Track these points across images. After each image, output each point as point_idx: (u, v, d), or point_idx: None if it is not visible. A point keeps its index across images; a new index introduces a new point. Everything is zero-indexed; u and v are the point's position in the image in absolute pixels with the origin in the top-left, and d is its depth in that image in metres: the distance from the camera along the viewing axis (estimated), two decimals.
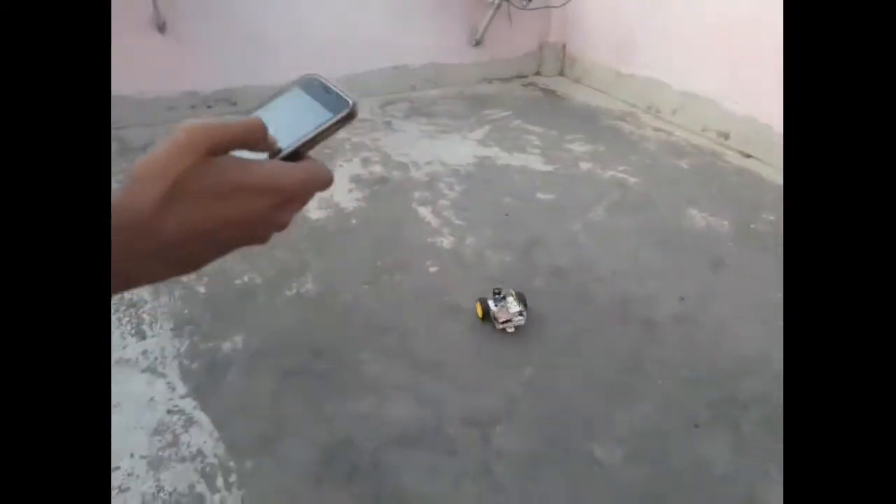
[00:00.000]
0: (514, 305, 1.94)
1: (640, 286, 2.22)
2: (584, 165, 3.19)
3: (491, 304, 1.95)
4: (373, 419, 1.67)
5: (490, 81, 4.45)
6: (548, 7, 4.04)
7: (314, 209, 2.71)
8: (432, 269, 2.32)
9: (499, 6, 3.97)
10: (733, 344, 1.95)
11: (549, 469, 1.54)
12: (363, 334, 1.98)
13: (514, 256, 2.40)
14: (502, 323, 1.92)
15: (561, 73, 4.64)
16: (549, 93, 4.32)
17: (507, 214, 2.71)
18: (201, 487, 1.48)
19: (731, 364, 1.87)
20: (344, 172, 3.04)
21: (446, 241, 2.50)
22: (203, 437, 1.61)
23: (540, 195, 2.89)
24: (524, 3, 3.88)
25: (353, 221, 2.65)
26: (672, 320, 2.05)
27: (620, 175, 3.07)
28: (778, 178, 3.02)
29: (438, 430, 1.64)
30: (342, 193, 2.85)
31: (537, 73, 4.64)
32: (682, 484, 1.49)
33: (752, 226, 2.63)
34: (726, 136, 3.40)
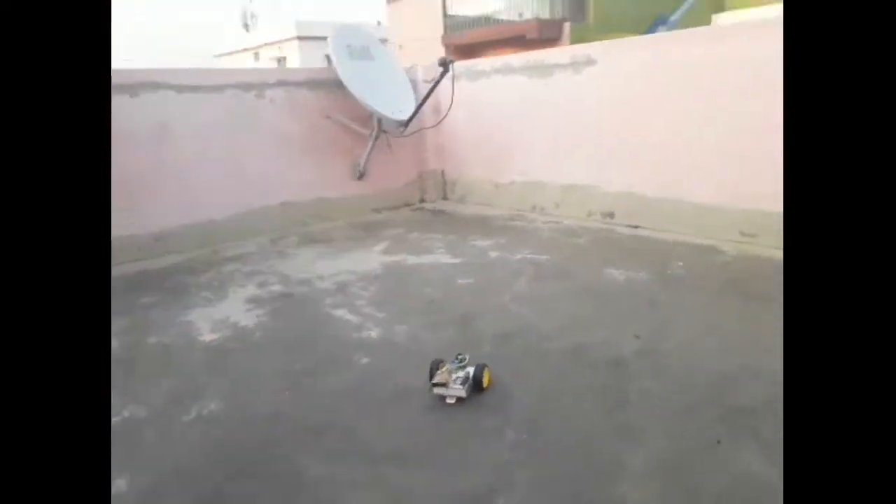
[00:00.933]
0: (460, 376, 1.67)
1: (590, 335, 2.07)
2: (493, 254, 3.17)
3: (443, 370, 1.68)
4: None
5: (379, 211, 4.49)
6: (421, 129, 4.33)
7: (206, 331, 2.29)
8: (364, 361, 1.98)
9: (377, 137, 4.17)
10: (705, 363, 1.82)
11: None
12: (295, 441, 1.54)
13: (452, 332, 2.16)
14: (438, 385, 1.65)
15: (444, 198, 4.85)
16: (439, 212, 4.45)
17: (431, 301, 2.50)
18: None
19: (715, 379, 1.71)
20: (237, 297, 2.68)
21: (373, 333, 2.19)
22: None
23: (460, 281, 2.75)
24: (400, 131, 4.13)
25: (258, 335, 2.25)
26: (637, 357, 1.89)
27: (530, 256, 3.08)
28: (667, 236, 3.23)
29: None
30: (238, 314, 2.46)
31: (422, 200, 4.81)
32: (732, 501, 1.21)
33: (667, 272, 2.69)
34: (611, 214, 3.65)
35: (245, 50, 24.39)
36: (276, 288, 2.79)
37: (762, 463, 1.33)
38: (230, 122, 3.74)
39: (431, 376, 1.68)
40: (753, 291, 2.37)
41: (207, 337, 2.24)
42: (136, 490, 1.37)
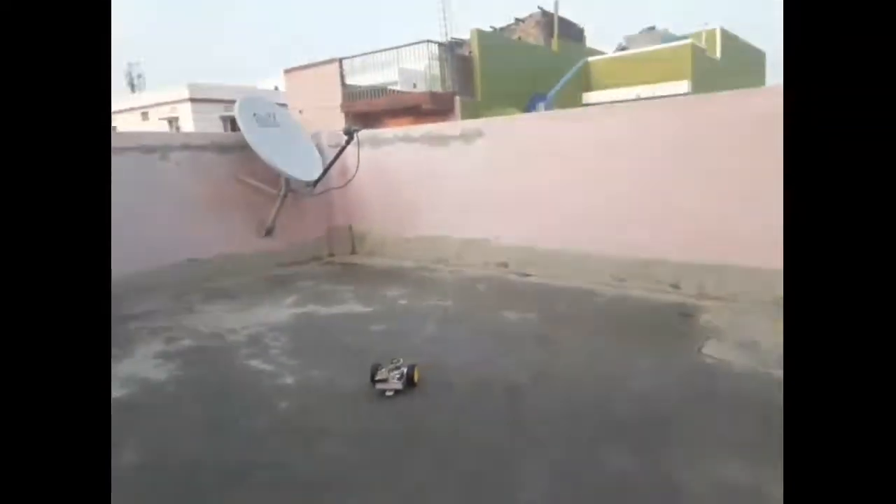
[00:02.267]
0: (395, 374, 2.09)
1: (491, 367, 2.33)
2: (402, 302, 3.38)
3: (383, 370, 2.10)
4: None
5: (287, 266, 4.56)
6: (329, 189, 4.54)
7: (113, 388, 2.25)
8: (283, 405, 2.07)
9: (285, 196, 4.31)
10: (589, 389, 2.13)
11: None
12: (221, 486, 1.60)
13: (367, 374, 2.31)
14: (379, 381, 2.07)
15: (353, 252, 5.03)
16: (348, 265, 4.61)
17: (346, 347, 2.64)
18: None
19: (596, 401, 2.02)
20: (144, 353, 2.65)
21: (289, 380, 2.29)
22: None
23: (373, 327, 2.92)
24: (309, 191, 4.30)
25: (170, 389, 2.26)
26: (531, 385, 2.17)
27: (435, 303, 3.33)
28: (553, 282, 3.65)
29: None
30: (147, 370, 2.44)
31: (331, 255, 4.95)
32: (608, 496, 1.48)
33: (552, 312, 3.06)
34: (505, 264, 4.04)
35: (132, 109, 23.42)
36: (186, 342, 2.78)
37: (629, 460, 1.62)
38: (133, 184, 3.72)
39: (373, 376, 2.09)
40: (627, 326, 2.79)
41: (115, 393, 2.21)
42: None
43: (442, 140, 4.24)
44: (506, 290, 3.60)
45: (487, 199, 4.06)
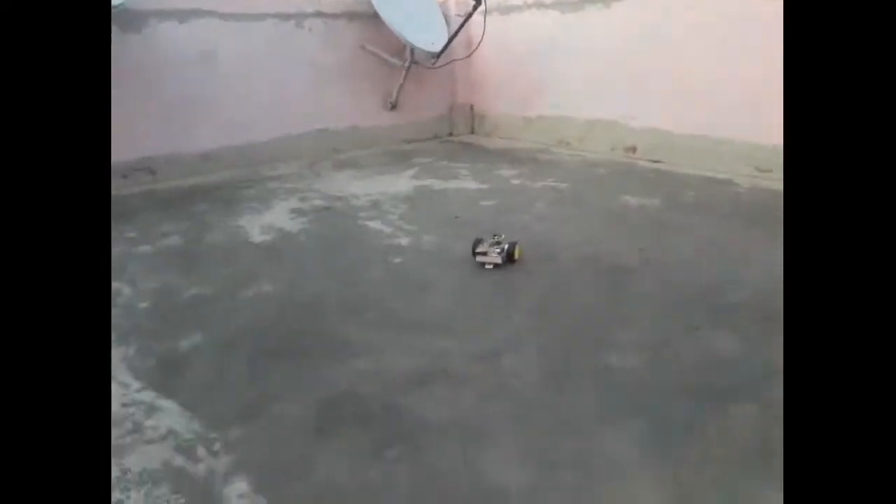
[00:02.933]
0: (496, 249, 2.13)
1: (599, 248, 2.30)
2: (515, 181, 3.37)
3: (484, 244, 2.16)
4: (372, 373, 1.50)
5: (409, 142, 4.68)
6: (452, 61, 4.45)
7: (256, 234, 2.59)
8: (397, 261, 2.25)
9: (409, 68, 4.31)
10: (701, 273, 2.03)
11: (571, 380, 1.44)
12: (341, 316, 1.83)
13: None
14: (479, 254, 2.12)
15: (472, 132, 5.00)
16: (467, 145, 4.62)
17: (456, 217, 2.74)
18: (179, 461, 1.21)
19: (707, 284, 1.93)
20: (282, 208, 2.97)
21: (404, 241, 2.46)
22: (172, 419, 1.34)
23: (483, 203, 2.98)
24: (432, 62, 4.25)
25: (302, 238, 2.54)
26: (639, 264, 2.12)
27: (550, 184, 3.27)
28: (685, 170, 3.37)
29: (446, 370, 1.50)
30: (283, 221, 2.75)
31: (450, 134, 4.97)
32: (704, 371, 1.46)
33: (678, 200, 2.86)
34: (634, 149, 3.78)
35: None
36: (316, 202, 3.06)
37: (733, 344, 1.57)
38: (271, 50, 3.92)
39: (474, 249, 2.15)
40: (757, 218, 2.54)
41: (258, 238, 2.54)
42: (210, 343, 1.68)
43: (576, 5, 3.87)
44: (630, 175, 3.41)
45: (622, 75, 3.73)
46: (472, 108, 4.94)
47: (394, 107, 4.53)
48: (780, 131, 2.79)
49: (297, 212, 2.90)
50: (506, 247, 2.13)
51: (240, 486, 1.13)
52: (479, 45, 4.23)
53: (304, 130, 4.17)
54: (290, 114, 4.10)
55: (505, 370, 1.49)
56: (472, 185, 3.34)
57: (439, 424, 1.29)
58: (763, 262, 2.06)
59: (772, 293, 1.83)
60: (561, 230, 2.51)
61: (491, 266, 2.11)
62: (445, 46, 4.13)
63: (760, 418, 1.27)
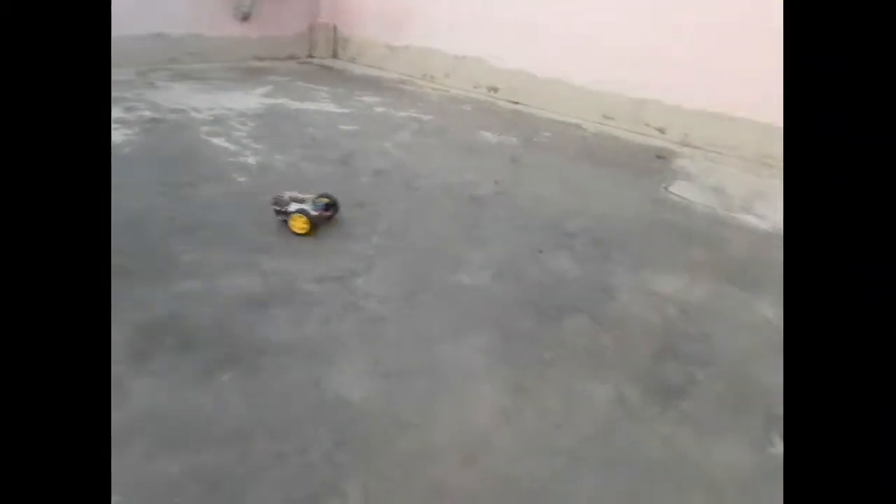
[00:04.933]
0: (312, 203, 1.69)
1: (457, 177, 2.30)
2: (378, 109, 3.23)
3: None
4: (205, 295, 1.35)
5: (262, 59, 4.25)
6: None
7: None
8: (241, 180, 2.04)
9: None
10: (549, 204, 2.13)
11: (424, 295, 1.44)
12: (169, 233, 1.61)
13: (332, 167, 2.27)
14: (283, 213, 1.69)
15: (334, 56, 4.69)
16: (327, 68, 4.32)
17: (313, 139, 2.56)
18: None
19: (553, 214, 2.03)
20: None
21: (251, 160, 2.23)
22: None
23: (342, 126, 2.81)
24: None
25: (127, 150, 2.19)
26: (494, 195, 2.16)
27: (414, 114, 3.19)
28: (542, 113, 3.50)
29: (291, 290, 1.40)
30: None
31: (310, 56, 4.61)
32: (545, 289, 1.54)
33: (534, 139, 2.97)
34: (496, 89, 3.82)
35: None
36: (146, 114, 2.65)
37: (570, 264, 1.67)
38: None
39: (279, 207, 1.70)
40: (602, 160, 2.73)
41: None
42: None
43: None
44: (491, 113, 3.46)
45: (492, 14, 3.70)
46: (335, 29, 4.60)
47: (246, 17, 4.05)
48: (621, 81, 2.97)
49: (122, 122, 2.49)
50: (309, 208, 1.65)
51: None
52: None
53: (134, 32, 3.55)
54: (119, 12, 3.45)
55: (357, 290, 1.44)
56: (331, 108, 3.14)
57: (281, 345, 1.20)
58: (604, 197, 2.23)
59: (608, 222, 1.98)
60: (422, 160, 2.47)
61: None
62: None
63: (591, 329, 1.37)
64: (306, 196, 1.72)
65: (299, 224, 1.66)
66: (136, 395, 1.04)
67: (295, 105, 3.09)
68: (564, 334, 1.34)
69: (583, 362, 1.24)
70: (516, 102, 3.72)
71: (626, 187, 2.35)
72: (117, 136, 2.31)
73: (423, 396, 1.10)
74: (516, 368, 1.20)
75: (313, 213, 1.66)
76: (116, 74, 3.29)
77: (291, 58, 4.47)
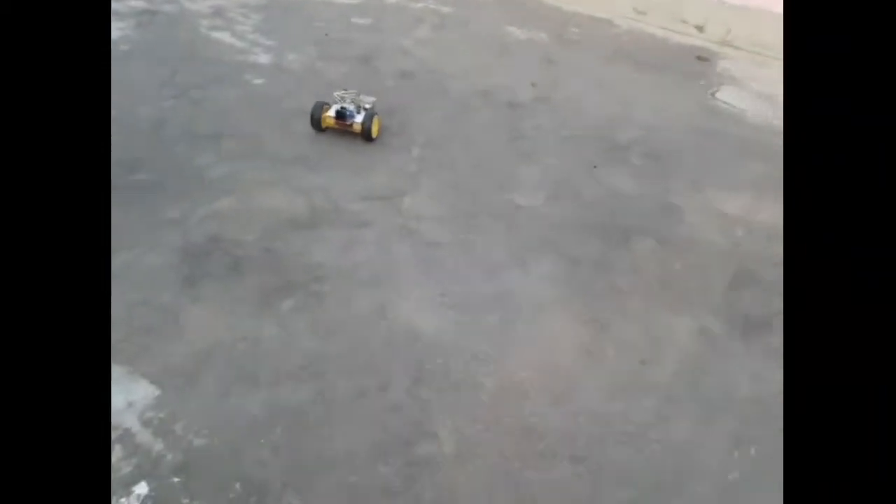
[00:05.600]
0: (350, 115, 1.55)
1: (491, 79, 2.10)
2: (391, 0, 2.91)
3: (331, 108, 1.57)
4: (242, 213, 1.23)
5: None
6: None
7: None
8: (257, 81, 1.84)
9: None
10: (592, 109, 1.97)
11: (479, 219, 1.33)
12: (189, 143, 1.46)
13: (352, 67, 2.05)
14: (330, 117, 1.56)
15: None
16: None
17: (326, 34, 2.30)
18: None
19: (599, 121, 1.88)
20: None
21: (263, 59, 2.00)
22: None
23: (355, 20, 2.53)
24: None
25: (124, 48, 1.95)
26: (532, 101, 1.98)
27: (432, 6, 2.88)
28: (567, 6, 3.19)
29: (337, 210, 1.29)
30: None
31: None
32: (606, 209, 1.44)
33: (564, 36, 2.71)
34: None
35: None
36: (137, 4, 2.35)
37: (629, 181, 1.56)
38: None
39: (316, 119, 1.55)
40: (639, 60, 2.52)
41: None
42: None
43: None
44: (514, 4, 3.13)
45: None
46: None
47: None
48: None
49: (114, 14, 2.19)
50: (359, 118, 1.55)
51: None
52: None
53: None
54: None
55: (407, 211, 1.33)
56: None
57: (337, 271, 1.12)
58: (649, 103, 2.06)
59: (660, 133, 1.84)
60: (448, 59, 2.25)
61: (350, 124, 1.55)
62: None
63: (661, 254, 1.29)
64: (348, 93, 1.58)
65: (378, 126, 1.58)
66: (192, 326, 0.96)
67: None
68: (634, 260, 1.26)
69: (657, 291, 1.18)
70: None
71: (670, 93, 2.18)
72: (112, 31, 2.05)
73: (496, 330, 1.04)
74: (589, 298, 1.13)
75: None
76: None
77: None
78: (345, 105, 1.56)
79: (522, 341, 1.02)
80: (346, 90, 1.61)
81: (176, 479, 0.74)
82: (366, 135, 1.55)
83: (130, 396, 0.83)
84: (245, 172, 1.38)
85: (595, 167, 1.61)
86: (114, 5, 2.29)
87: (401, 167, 1.49)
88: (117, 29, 2.07)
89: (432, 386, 0.92)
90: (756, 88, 2.32)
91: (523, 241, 1.28)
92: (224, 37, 2.14)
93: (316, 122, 1.55)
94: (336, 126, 1.56)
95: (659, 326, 1.09)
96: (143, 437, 0.78)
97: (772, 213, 1.48)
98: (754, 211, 1.48)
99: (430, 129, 1.70)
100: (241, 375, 0.89)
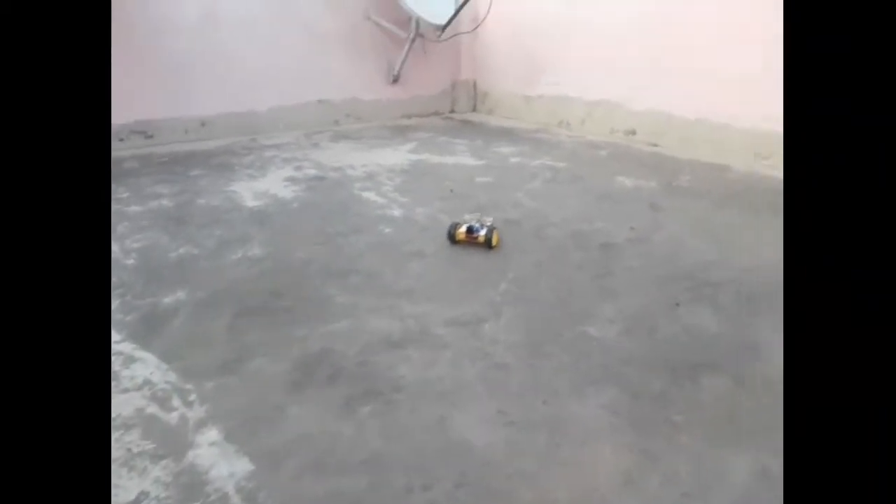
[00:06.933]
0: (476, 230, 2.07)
1: (590, 225, 2.29)
2: (514, 159, 3.35)
3: (462, 227, 2.08)
4: (351, 333, 1.51)
5: (409, 117, 4.65)
6: (457, 34, 4.39)
7: (249, 199, 2.58)
8: (387, 230, 2.25)
9: (413, 40, 4.26)
10: (690, 253, 2.03)
11: (548, 347, 1.45)
12: (324, 278, 1.83)
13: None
14: (467, 235, 2.05)
15: (474, 109, 4.96)
16: (467, 122, 4.59)
17: (451, 190, 2.74)
18: (152, 409, 1.22)
19: (694, 264, 1.93)
20: (276, 176, 2.96)
21: (396, 212, 2.45)
22: (149, 369, 1.35)
23: (479, 179, 2.96)
24: (437, 35, 4.20)
25: (295, 205, 2.54)
26: (628, 243, 2.11)
27: (548, 163, 3.25)
28: (683, 154, 3.34)
29: (425, 332, 1.51)
30: (277, 188, 2.75)
31: (452, 111, 4.94)
32: (680, 345, 1.46)
33: (673, 184, 2.85)
34: (633, 132, 3.75)
35: None
36: (311, 171, 3.05)
37: (711, 320, 1.57)
38: (272, 16, 3.88)
39: (451, 235, 2.08)
40: (751, 203, 2.53)
41: (251, 203, 2.54)
42: (193, 300, 1.69)
43: None
44: (628, 157, 3.39)
45: (624, 56, 3.68)
46: (475, 84, 4.89)
47: (396, 80, 4.49)
48: (780, 118, 2.75)
49: (292, 180, 2.89)
50: (483, 231, 2.03)
51: (211, 434, 1.14)
52: (484, 19, 4.18)
53: (303, 100, 4.14)
54: (291, 81, 4.07)
55: (485, 336, 1.50)
56: (469, 160, 3.32)
57: (414, 384, 1.30)
58: (751, 246, 2.06)
59: (756, 275, 1.82)
60: (554, 207, 2.51)
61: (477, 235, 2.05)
62: (451, 19, 4.08)
63: (733, 391, 1.27)
64: (473, 216, 2.20)
65: (496, 237, 2.07)
66: (291, 420, 1.20)
67: (436, 159, 3.33)
68: (700, 396, 1.26)
69: (720, 428, 1.16)
70: (655, 145, 3.60)
71: (778, 235, 2.15)
72: (287, 192, 2.69)
73: (544, 450, 1.11)
74: (643, 430, 1.16)
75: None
76: (288, 137, 3.85)
77: (435, 114, 4.82)
78: (472, 223, 2.07)
79: (566, 463, 1.08)
80: (471, 213, 2.19)
81: None
82: (487, 244, 2.02)
83: (232, 468, 1.06)
84: (361, 301, 1.69)
85: (677, 304, 1.65)
86: (293, 173, 3.00)
87: (488, 299, 1.69)
88: (291, 191, 2.71)
89: (471, 491, 1.01)
90: None
91: (587, 370, 1.35)
92: (371, 195, 2.67)
93: (451, 237, 2.07)
94: (466, 239, 2.04)
95: (713, 462, 1.06)
96: (235, 500, 0.99)
97: None
98: None
99: (521, 269, 1.90)
100: (316, 463, 1.08)
